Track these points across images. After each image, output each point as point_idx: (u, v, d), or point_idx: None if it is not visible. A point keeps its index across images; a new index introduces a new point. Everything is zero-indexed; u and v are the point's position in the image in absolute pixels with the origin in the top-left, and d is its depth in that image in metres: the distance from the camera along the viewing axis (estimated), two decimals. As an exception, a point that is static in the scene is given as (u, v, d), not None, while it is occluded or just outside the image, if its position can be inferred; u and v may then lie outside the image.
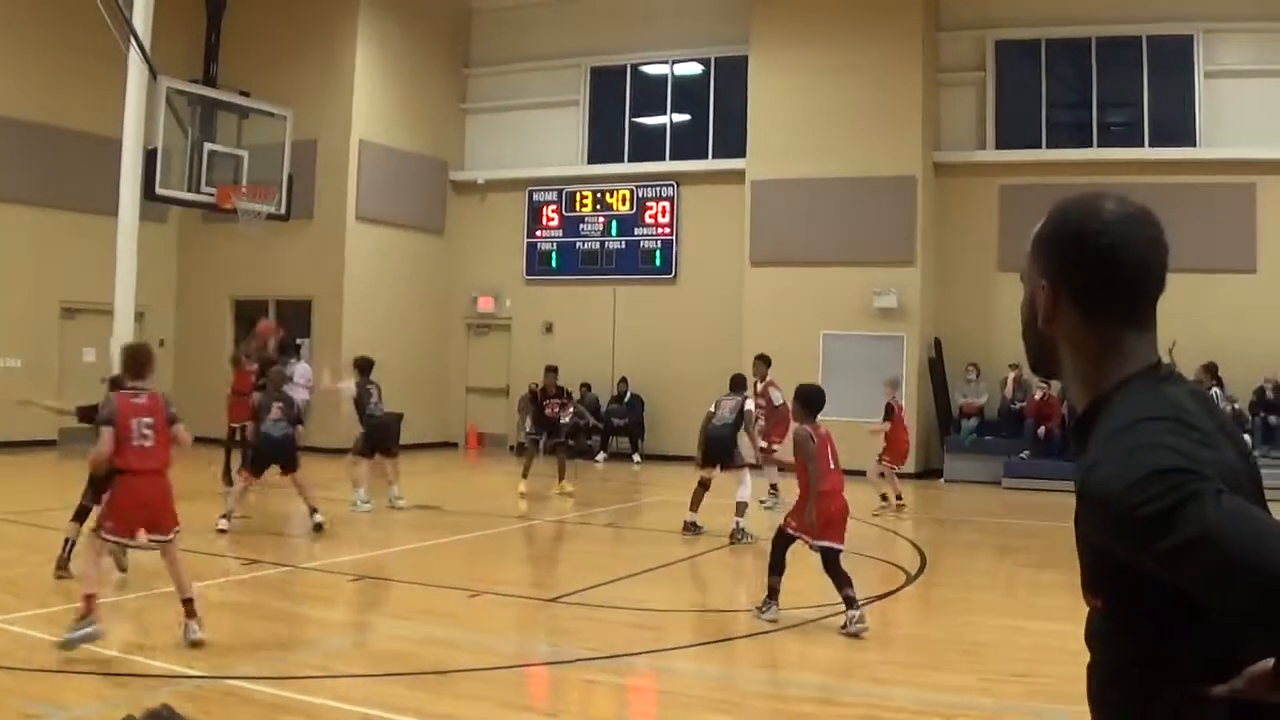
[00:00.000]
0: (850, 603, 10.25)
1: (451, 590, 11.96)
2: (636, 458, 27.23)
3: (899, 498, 19.93)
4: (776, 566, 10.71)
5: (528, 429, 21.56)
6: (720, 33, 27.95)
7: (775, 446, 19.30)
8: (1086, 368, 2.38)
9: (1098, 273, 2.32)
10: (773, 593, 10.68)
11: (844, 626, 10.24)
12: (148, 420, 9.64)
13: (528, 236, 29.67)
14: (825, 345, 25.52)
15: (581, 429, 24.79)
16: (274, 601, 11.23)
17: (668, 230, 28.27)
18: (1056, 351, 2.42)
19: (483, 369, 30.26)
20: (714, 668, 9.44)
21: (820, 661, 9.66)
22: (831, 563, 10.46)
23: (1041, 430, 23.81)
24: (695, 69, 28.93)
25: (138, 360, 10.07)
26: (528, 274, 29.67)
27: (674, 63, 28.99)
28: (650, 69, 29.29)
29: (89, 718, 7.32)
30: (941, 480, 24.45)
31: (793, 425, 11.61)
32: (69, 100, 24.83)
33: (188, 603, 9.30)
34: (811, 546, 10.58)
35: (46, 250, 25.04)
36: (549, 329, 29.29)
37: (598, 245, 28.98)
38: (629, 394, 27.92)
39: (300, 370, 27.02)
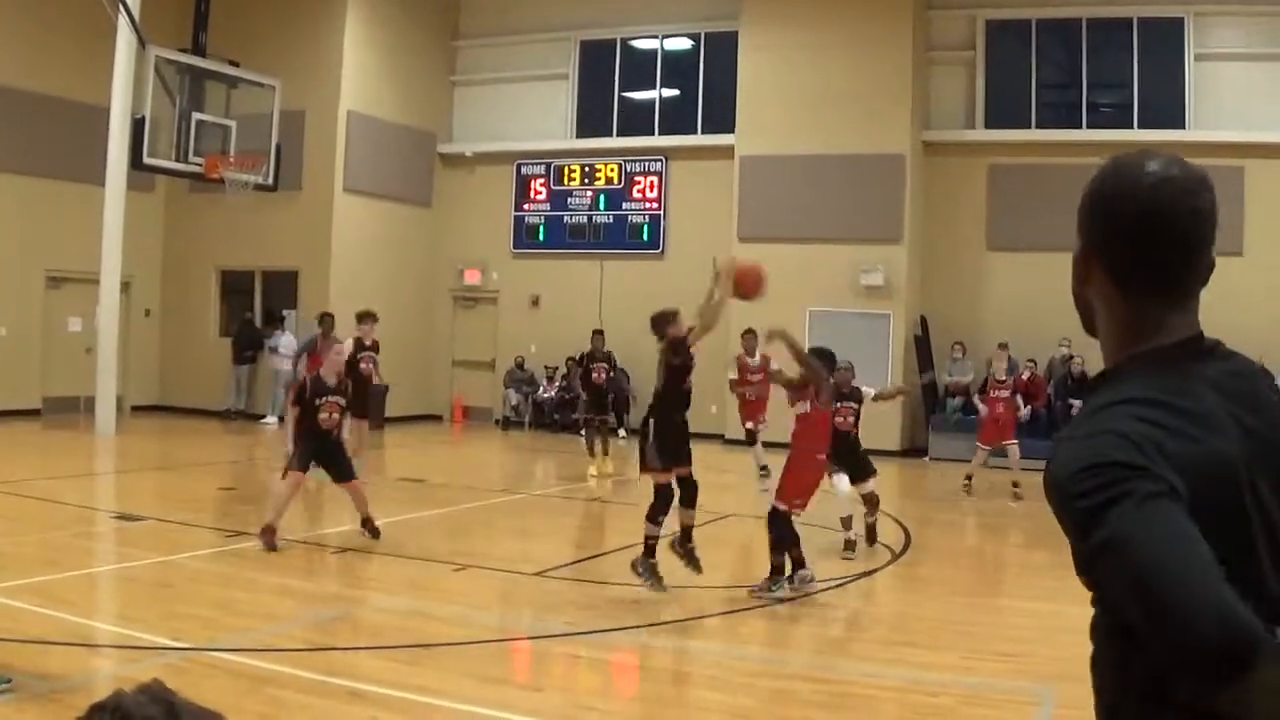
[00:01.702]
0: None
1: (436, 564, 11.96)
2: (622, 432, 27.22)
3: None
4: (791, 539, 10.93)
5: (582, 408, 20.65)
6: (710, 8, 27.86)
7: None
8: (1113, 335, 2.28)
9: (1129, 242, 2.21)
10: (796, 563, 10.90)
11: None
12: None
13: (515, 210, 29.61)
14: (811, 322, 25.50)
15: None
16: (258, 574, 11.21)
17: (656, 205, 28.23)
18: (1095, 315, 2.34)
19: (469, 342, 30.23)
20: (698, 644, 9.45)
21: (804, 639, 9.69)
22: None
23: (1028, 410, 23.83)
24: (685, 44, 28.86)
25: None
26: (515, 247, 29.62)
27: (664, 37, 28.92)
28: (640, 43, 29.20)
29: (71, 689, 7.30)
30: (926, 459, 24.49)
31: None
32: (57, 68, 24.70)
33: None
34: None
35: (32, 219, 24.93)
36: (535, 302, 29.26)
37: (585, 219, 28.94)
38: (615, 368, 27.89)
39: (285, 341, 27.01)
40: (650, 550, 10.79)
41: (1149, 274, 2.21)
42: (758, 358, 18.93)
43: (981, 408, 19.97)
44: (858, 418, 13.73)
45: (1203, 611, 1.81)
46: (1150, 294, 2.22)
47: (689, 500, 11.00)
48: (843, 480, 13.34)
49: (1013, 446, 18.91)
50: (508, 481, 20.64)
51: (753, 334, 19.02)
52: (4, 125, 24.28)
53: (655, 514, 10.87)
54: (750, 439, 19.24)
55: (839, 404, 12.77)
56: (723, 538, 14.90)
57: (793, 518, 10.83)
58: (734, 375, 19.41)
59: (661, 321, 11.13)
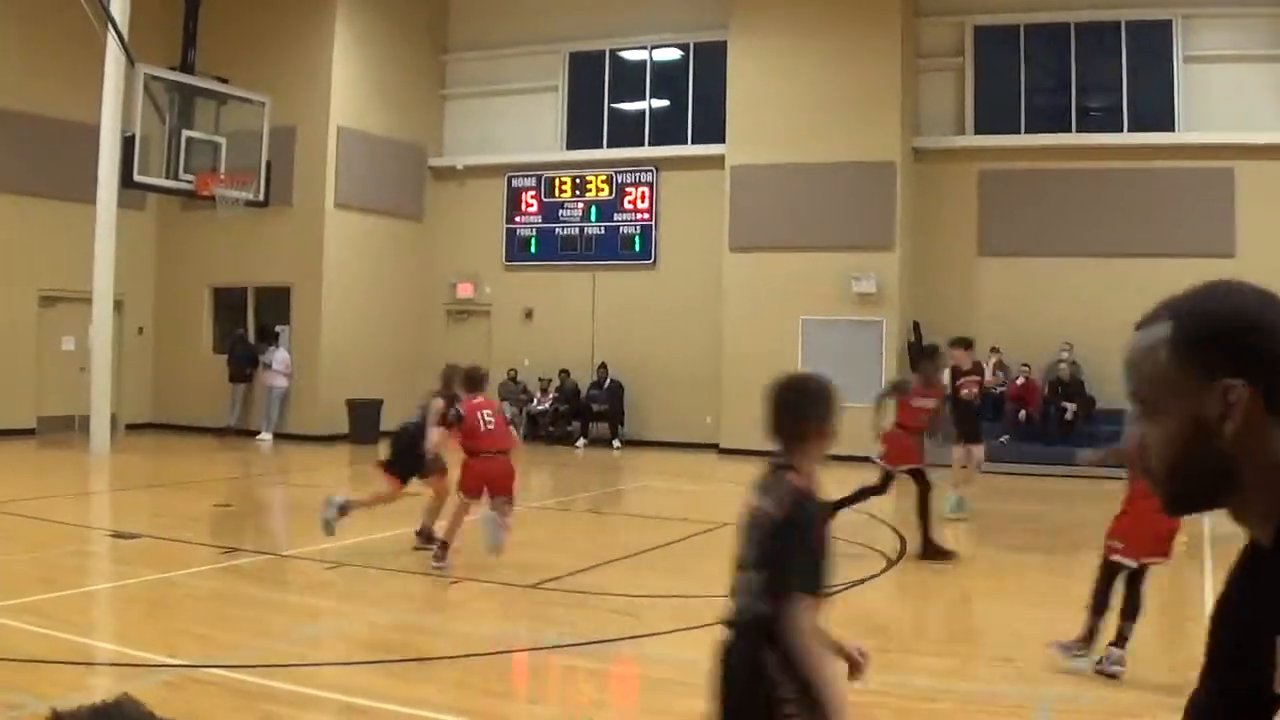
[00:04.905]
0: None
1: (431, 577, 11.94)
2: (616, 443, 27.23)
3: None
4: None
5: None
6: (699, 18, 27.89)
7: None
8: (1273, 476, 1.89)
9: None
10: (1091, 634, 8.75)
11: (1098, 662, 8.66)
12: (489, 412, 12.54)
13: (507, 222, 29.60)
14: (804, 330, 25.53)
15: None
16: (254, 589, 11.20)
17: (647, 216, 28.23)
18: (1236, 470, 1.91)
19: (462, 355, 29.95)
20: (694, 653, 9.40)
21: (801, 647, 9.66)
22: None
23: (1022, 414, 23.87)
24: (674, 54, 28.88)
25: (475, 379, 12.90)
26: (507, 260, 29.61)
27: (653, 48, 28.93)
28: (629, 54, 29.22)
29: (64, 708, 7.27)
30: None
31: None
32: (46, 86, 24.67)
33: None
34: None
35: (24, 238, 24.89)
36: (528, 315, 29.25)
37: (577, 231, 28.94)
38: (608, 380, 27.90)
39: (279, 358, 27.01)
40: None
41: None
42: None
43: None
44: None
45: None
46: None
47: None
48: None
49: None
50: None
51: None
52: (-7, 144, 24.27)
53: None
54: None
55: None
56: (718, 548, 14.88)
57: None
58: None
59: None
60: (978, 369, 17.59)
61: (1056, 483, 20.90)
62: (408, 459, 13.39)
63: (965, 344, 17.66)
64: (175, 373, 28.72)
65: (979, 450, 17.65)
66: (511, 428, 13.15)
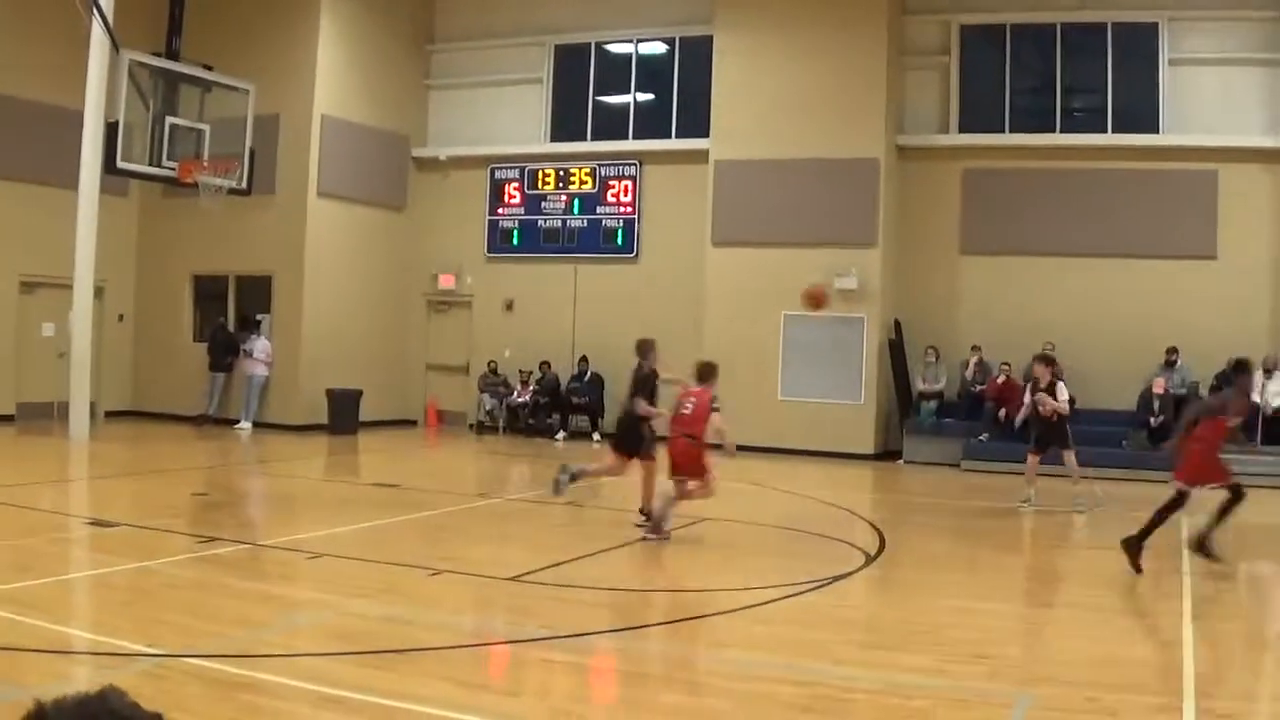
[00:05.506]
0: None
1: (411, 568, 11.93)
2: (596, 436, 27.23)
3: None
4: None
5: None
6: (685, 12, 27.90)
7: None
8: None
9: None
10: None
11: None
12: (691, 400, 14.35)
13: (489, 214, 29.59)
14: (786, 326, 25.56)
15: None
16: (233, 579, 11.17)
17: (630, 209, 28.23)
18: None
19: (443, 346, 30.19)
20: (673, 647, 9.44)
21: (779, 642, 9.67)
22: None
23: (1001, 413, 23.90)
24: (660, 48, 28.88)
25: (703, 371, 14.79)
26: (489, 251, 29.59)
27: (638, 41, 28.92)
28: (614, 48, 29.21)
29: (45, 697, 7.25)
30: (900, 462, 24.56)
31: None
32: (29, 71, 24.56)
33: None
34: None
35: (5, 223, 24.79)
36: (509, 307, 29.24)
37: (559, 223, 28.93)
38: (589, 373, 27.90)
39: (260, 346, 26.96)
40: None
41: None
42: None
43: None
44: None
45: None
46: None
47: None
48: None
49: None
50: (482, 486, 20.60)
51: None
52: (-25, 129, 24.15)
53: None
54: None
55: None
56: (702, 541, 14.89)
57: None
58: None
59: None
60: (1051, 388, 17.80)
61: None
62: (631, 438, 15.25)
63: (1045, 360, 18.40)
64: (155, 360, 28.65)
65: (1070, 456, 18.03)
66: (715, 415, 14.43)
